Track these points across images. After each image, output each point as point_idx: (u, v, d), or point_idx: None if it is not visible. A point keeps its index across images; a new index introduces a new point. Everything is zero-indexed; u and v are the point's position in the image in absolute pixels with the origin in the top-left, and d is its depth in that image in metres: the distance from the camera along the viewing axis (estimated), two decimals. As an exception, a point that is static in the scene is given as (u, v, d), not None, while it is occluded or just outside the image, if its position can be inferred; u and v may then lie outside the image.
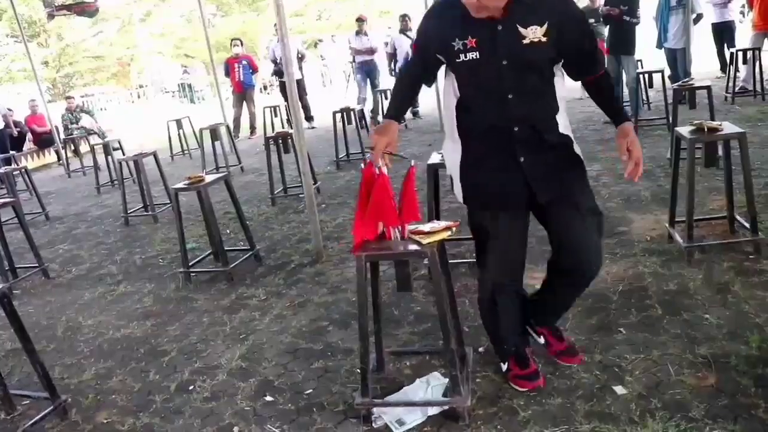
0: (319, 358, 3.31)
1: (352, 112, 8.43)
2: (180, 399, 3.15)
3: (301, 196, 6.67)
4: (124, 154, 9.75)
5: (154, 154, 7.16)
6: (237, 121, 13.02)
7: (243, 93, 12.80)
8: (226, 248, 5.36)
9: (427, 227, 2.52)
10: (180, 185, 4.75)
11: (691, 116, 7.12)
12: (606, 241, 4.20)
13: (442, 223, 2.54)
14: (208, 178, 4.78)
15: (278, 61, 11.92)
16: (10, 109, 13.25)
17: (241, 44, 13.02)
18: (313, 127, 12.73)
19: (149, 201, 7.14)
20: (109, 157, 9.65)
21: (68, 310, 4.65)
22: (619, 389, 2.68)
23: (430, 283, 3.73)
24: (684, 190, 3.93)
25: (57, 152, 13.10)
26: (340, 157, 8.52)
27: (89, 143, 10.54)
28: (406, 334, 3.43)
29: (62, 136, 13.08)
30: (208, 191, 4.69)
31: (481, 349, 3.15)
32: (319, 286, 4.32)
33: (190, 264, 4.95)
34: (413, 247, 2.45)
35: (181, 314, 4.24)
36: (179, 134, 11.91)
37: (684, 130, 3.87)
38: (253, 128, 13.12)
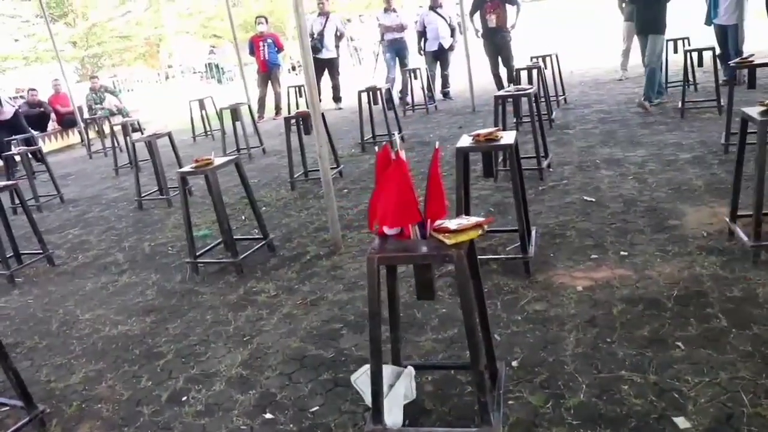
0: (329, 368, 2.92)
1: (379, 92, 7.98)
2: (170, 412, 2.78)
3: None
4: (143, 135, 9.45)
5: (169, 135, 6.81)
6: (262, 101, 12.66)
7: (268, 72, 12.42)
8: (239, 236, 5.02)
9: (453, 224, 2.09)
10: (187, 168, 4.37)
11: (748, 97, 6.57)
12: (655, 237, 3.75)
13: (472, 219, 2.11)
14: (218, 161, 4.40)
15: (314, 36, 11.45)
16: (33, 89, 13.05)
17: (266, 22, 12.59)
18: (340, 108, 12.31)
19: (164, 184, 6.81)
20: (128, 138, 9.35)
21: (67, 302, 4.33)
22: (681, 421, 2.23)
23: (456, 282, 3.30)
24: (749, 181, 3.42)
25: (80, 133, 12.88)
26: (365, 139, 8.09)
27: (110, 124, 10.25)
28: (428, 341, 3.01)
29: (86, 116, 12.87)
30: (216, 175, 4.30)
31: (514, 364, 2.72)
32: (335, 281, 3.92)
33: (198, 254, 4.59)
34: (436, 248, 2.03)
35: (184, 310, 3.88)
36: (202, 115, 11.59)
37: (753, 111, 3.36)
38: (278, 109, 12.75)
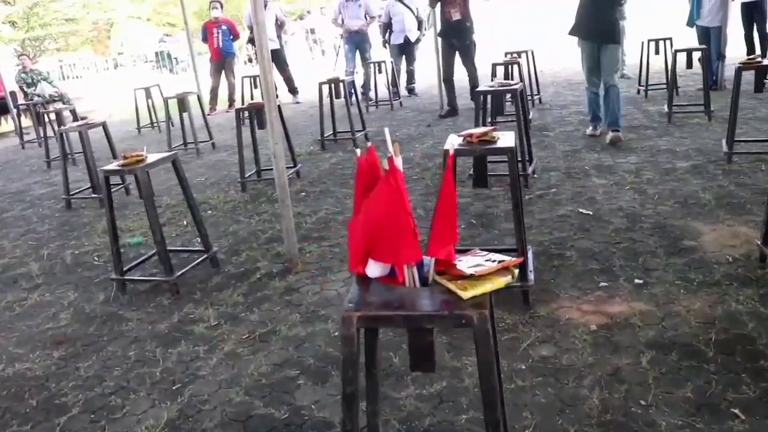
0: (280, 436, 2.23)
1: (341, 84, 7.28)
2: (64, 500, 2.06)
3: (276, 181, 5.56)
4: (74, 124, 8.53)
5: (103, 125, 5.97)
6: (214, 92, 11.81)
7: (221, 61, 11.57)
8: (177, 247, 4.28)
9: (467, 264, 1.43)
10: (112, 166, 3.61)
11: (745, 102, 6.15)
12: (672, 261, 3.17)
13: (495, 259, 1.45)
14: (152, 158, 3.65)
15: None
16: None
17: (221, 7, 11.73)
18: (298, 102, 11.55)
19: (97, 181, 5.98)
20: (58, 128, 8.44)
21: (-41, 327, 3.53)
22: None
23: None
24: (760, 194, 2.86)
25: (13, 120, 11.81)
26: (325, 135, 7.38)
27: (43, 111, 9.28)
28: (410, 398, 2.35)
29: (20, 100, 11.79)
30: (147, 175, 3.55)
31: (526, 437, 2.08)
32: (290, 309, 3.23)
33: (126, 268, 3.84)
34: (445, 303, 1.36)
35: (103, 343, 3.13)
36: (148, 104, 10.69)
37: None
38: (231, 101, 11.90)
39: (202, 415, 2.40)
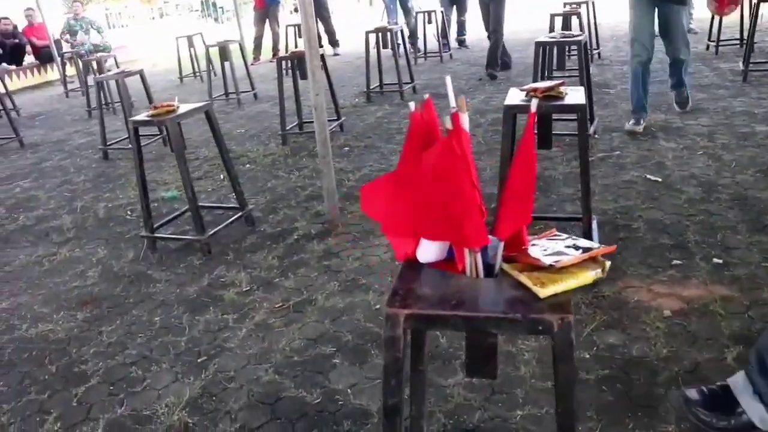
0: (312, 425, 1.99)
1: (389, 34, 6.90)
2: (73, 486, 1.87)
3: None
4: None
5: (141, 74, 5.76)
6: (258, 41, 11.53)
7: (265, 10, 11.24)
8: (212, 203, 4.06)
9: (544, 252, 1.14)
10: (140, 117, 3.38)
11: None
12: (757, 239, 2.85)
13: (579, 245, 1.16)
14: (183, 108, 3.40)
15: None
16: (5, 18, 11.85)
17: (266, -47, 11.34)
18: (337, 54, 11.17)
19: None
20: (94, 77, 8.28)
21: (-14, 282, 3.40)
22: None
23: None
24: None
25: (58, 68, 11.74)
26: (372, 87, 7.04)
27: (83, 60, 9.12)
28: (458, 387, 2.08)
29: (64, 48, 11.69)
30: (178, 126, 3.31)
31: (592, 442, 1.80)
32: (328, 275, 2.98)
33: (158, 224, 3.64)
34: (517, 303, 1.07)
35: (129, 305, 2.94)
36: (190, 53, 10.46)
37: None
38: (275, 50, 11.56)
39: (227, 395, 2.18)
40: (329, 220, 3.53)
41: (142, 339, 2.62)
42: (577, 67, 4.63)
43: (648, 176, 3.73)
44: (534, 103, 1.10)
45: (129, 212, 4.26)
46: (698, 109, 5.11)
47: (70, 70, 11.67)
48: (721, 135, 4.38)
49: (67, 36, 11.43)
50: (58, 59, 11.23)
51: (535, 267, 1.13)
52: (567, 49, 5.61)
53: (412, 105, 1.14)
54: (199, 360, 2.42)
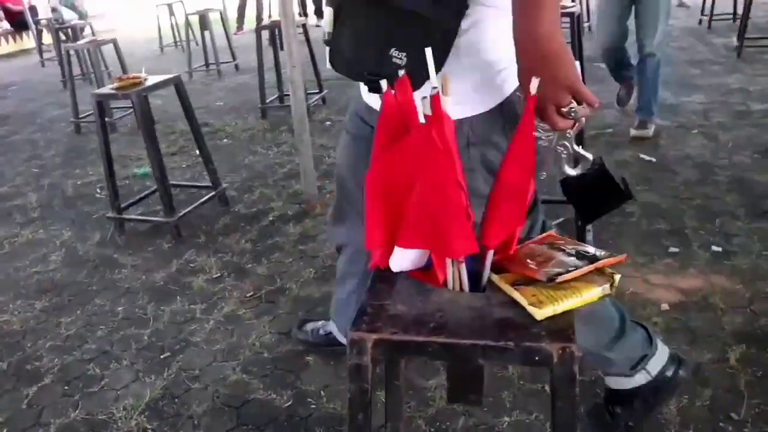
0: None
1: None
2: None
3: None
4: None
5: (114, 43, 5.48)
6: (241, 10, 11.17)
7: (249, -24, 10.89)
8: (185, 182, 3.86)
9: (542, 262, 0.96)
10: (104, 90, 3.16)
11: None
12: (757, 225, 2.70)
13: (583, 252, 0.98)
14: (152, 80, 3.18)
15: None
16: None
17: None
18: (319, 26, 10.86)
19: (107, 104, 5.54)
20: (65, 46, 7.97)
21: (-59, 265, 3.19)
22: None
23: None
24: None
25: (34, 36, 11.35)
26: (355, 60, 6.78)
27: (58, 27, 8.76)
28: (441, 390, 1.92)
29: (42, 16, 11.29)
30: (145, 99, 3.10)
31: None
32: (304, 261, 2.80)
33: (126, 204, 3.44)
34: (508, 327, 0.90)
35: (91, 293, 2.76)
36: (171, 22, 10.13)
37: None
38: (260, 19, 11.24)
39: (190, 396, 2.01)
40: (306, 200, 3.35)
41: (103, 332, 2.44)
42: (569, 41, 4.42)
43: (642, 155, 3.56)
44: (534, 84, 0.92)
45: (99, 190, 4.05)
46: (693, 85, 4.94)
47: (47, 38, 11.29)
48: (717, 113, 4.21)
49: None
50: (33, 26, 10.84)
51: (531, 279, 0.96)
52: (559, 21, 5.37)
53: (383, 84, 0.95)
54: (162, 356, 2.24)
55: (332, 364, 2.09)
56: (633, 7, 3.76)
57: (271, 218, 3.28)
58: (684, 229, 2.73)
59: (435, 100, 0.85)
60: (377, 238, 0.96)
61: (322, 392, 1.97)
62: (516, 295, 0.93)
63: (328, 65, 1.23)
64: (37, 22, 10.73)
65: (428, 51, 0.90)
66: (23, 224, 3.63)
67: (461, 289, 0.99)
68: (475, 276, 1.01)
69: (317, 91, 5.44)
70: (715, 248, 2.55)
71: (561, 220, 2.87)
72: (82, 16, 11.00)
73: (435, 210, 0.89)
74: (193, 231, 3.22)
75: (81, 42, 5.57)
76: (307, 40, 5.39)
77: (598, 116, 4.35)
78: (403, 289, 1.00)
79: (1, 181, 4.47)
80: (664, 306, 2.21)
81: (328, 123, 4.91)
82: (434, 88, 0.86)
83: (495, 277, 1.00)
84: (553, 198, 3.08)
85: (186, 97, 3.26)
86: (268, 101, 5.33)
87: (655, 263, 2.49)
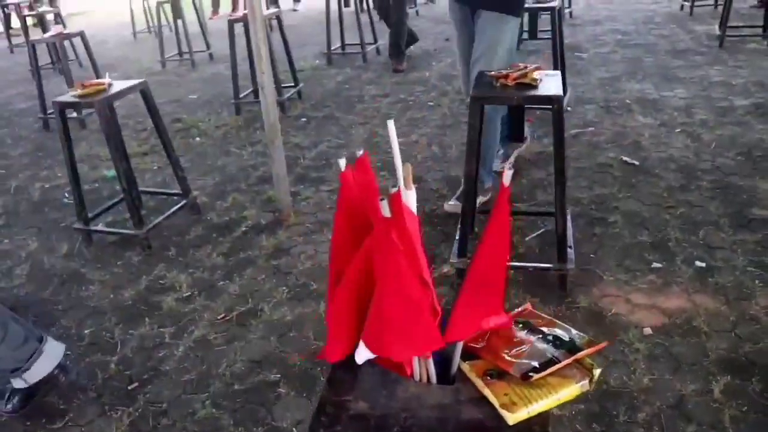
0: (250, 474, 1.76)
1: (351, -8, 6.49)
2: None
3: (279, 99, 4.93)
4: (65, 29, 7.79)
5: (81, 35, 5.30)
6: (216, -7, 10.93)
7: (223, -41, 10.63)
8: (155, 189, 3.74)
9: (516, 351, 0.89)
10: (66, 97, 3.02)
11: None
12: (740, 237, 2.65)
13: (560, 338, 0.91)
14: (116, 86, 3.05)
15: None
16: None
17: None
18: (295, 10, 10.67)
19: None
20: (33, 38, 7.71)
21: None
22: None
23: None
24: None
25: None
26: (333, 48, 6.65)
27: (23, 14, 8.50)
28: None
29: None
30: (109, 108, 2.97)
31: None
32: (277, 278, 2.71)
33: (95, 214, 3.32)
34: (478, 426, 0.82)
35: (57, 313, 2.65)
36: (144, 7, 9.87)
37: None
38: (235, 2, 11.01)
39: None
40: (280, 209, 3.25)
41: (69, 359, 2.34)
42: (549, 29, 4.31)
43: (624, 158, 3.49)
44: (507, 176, 0.83)
45: (67, 194, 3.91)
46: (675, 78, 4.88)
47: (17, 22, 10.97)
48: (699, 110, 4.15)
49: None
50: (1, 11, 10.50)
51: (502, 370, 0.88)
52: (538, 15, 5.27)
53: (342, 163, 0.86)
54: (129, 387, 2.15)
55: (305, 395, 2.01)
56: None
57: (243, 228, 3.18)
58: (667, 240, 2.67)
59: (394, 200, 0.77)
60: (338, 340, 0.88)
61: (294, 429, 1.89)
62: (487, 392, 0.86)
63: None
64: (5, 6, 10.38)
65: (390, 125, 0.81)
66: (-13, 233, 3.50)
67: (428, 380, 0.91)
68: (444, 361, 0.93)
69: (292, 84, 5.30)
70: (698, 263, 2.49)
71: (542, 230, 2.81)
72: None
73: (397, 311, 0.81)
74: (163, 242, 3.11)
75: (48, 35, 5.36)
76: (281, 30, 5.23)
77: (579, 113, 4.28)
78: (366, 378, 0.92)
79: (-34, 183, 4.32)
80: (647, 330, 2.15)
81: (304, 119, 4.79)
82: (396, 184, 0.78)
83: (465, 367, 0.92)
84: (532, 210, 3.02)
85: (153, 104, 3.13)
86: (242, 96, 5.18)
87: (638, 280, 2.43)
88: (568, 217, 2.65)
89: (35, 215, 3.68)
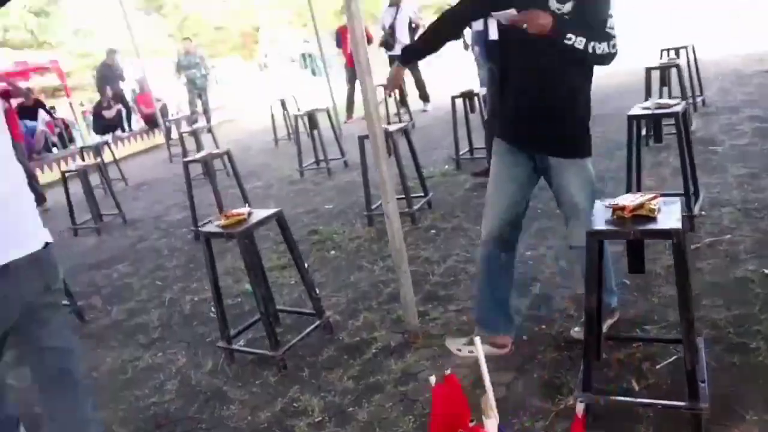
0: None
1: (476, 98, 6.71)
2: None
3: (409, 210, 5.13)
4: (216, 144, 8.62)
5: (228, 154, 5.85)
6: (350, 99, 11.61)
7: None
8: (291, 308, 3.96)
9: None
10: (212, 228, 3.36)
11: None
12: None
13: None
14: (256, 215, 3.36)
15: (385, 28, 10.35)
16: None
17: (356, 11, 11.51)
18: (425, 110, 11.08)
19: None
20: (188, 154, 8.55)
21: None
22: None
23: None
24: None
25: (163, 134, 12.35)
26: (461, 153, 6.85)
27: (178, 130, 9.53)
28: None
29: (169, 115, 12.30)
30: (252, 238, 3.26)
31: None
32: (404, 406, 2.77)
33: (236, 332, 3.58)
34: None
35: (201, 431, 2.87)
36: (284, 116, 10.74)
37: None
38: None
39: None
40: (408, 330, 3.34)
41: (209, 483, 2.52)
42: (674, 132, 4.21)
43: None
44: (580, 408, 0.88)
45: (213, 309, 4.24)
46: None
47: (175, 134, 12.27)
48: None
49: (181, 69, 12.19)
50: (163, 126, 11.77)
51: None
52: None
53: (432, 379, 0.95)
54: None
55: None
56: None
57: (373, 350, 3.29)
58: (818, 374, 2.48)
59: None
60: None
61: None
62: None
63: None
64: (167, 122, 11.64)
65: (478, 342, 0.88)
66: (145, 346, 3.87)
67: None
68: None
69: (422, 194, 5.50)
70: None
71: (674, 357, 2.70)
72: (205, 106, 11.90)
73: None
74: (297, 363, 3.29)
75: (199, 155, 5.92)
76: (408, 140, 5.46)
77: (714, 218, 4.10)
78: None
79: (129, 295, 4.80)
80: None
81: (433, 231, 4.92)
82: (481, 417, 0.85)
83: None
84: (662, 337, 2.89)
85: (289, 234, 3.42)
86: (374, 207, 5.40)
87: (786, 422, 2.27)
88: (701, 346, 2.54)
89: (185, 329, 4.02)
